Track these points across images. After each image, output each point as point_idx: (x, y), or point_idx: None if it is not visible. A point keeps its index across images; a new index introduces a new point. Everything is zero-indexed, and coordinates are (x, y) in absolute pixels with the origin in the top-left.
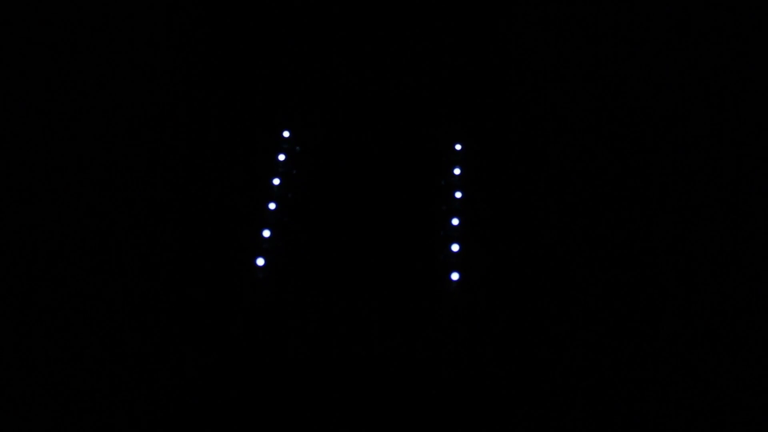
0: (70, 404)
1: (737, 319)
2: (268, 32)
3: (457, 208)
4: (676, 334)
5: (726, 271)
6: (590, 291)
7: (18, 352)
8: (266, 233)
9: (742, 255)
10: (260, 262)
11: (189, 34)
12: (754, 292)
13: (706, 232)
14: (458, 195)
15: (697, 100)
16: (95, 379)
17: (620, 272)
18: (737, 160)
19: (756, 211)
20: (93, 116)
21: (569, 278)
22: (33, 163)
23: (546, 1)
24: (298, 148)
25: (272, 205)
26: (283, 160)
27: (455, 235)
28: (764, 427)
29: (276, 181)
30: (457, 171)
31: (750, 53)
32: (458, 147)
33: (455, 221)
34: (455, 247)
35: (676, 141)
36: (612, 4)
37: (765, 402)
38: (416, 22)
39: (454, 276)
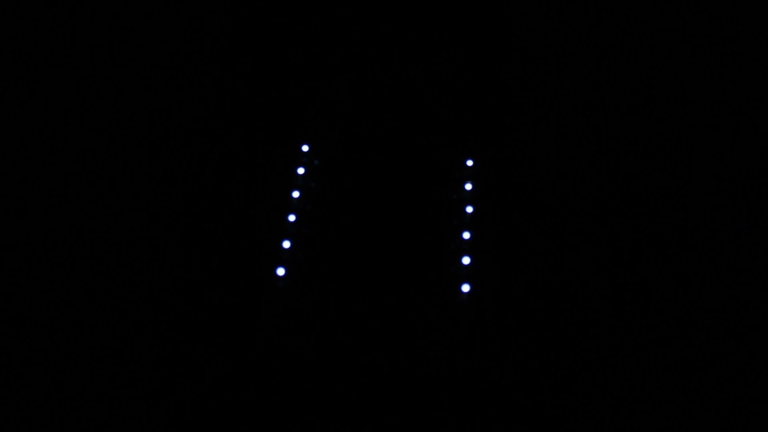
0: (86, 413)
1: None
2: (289, 56)
3: (467, 222)
4: (688, 349)
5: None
6: (599, 303)
7: (41, 353)
8: (286, 244)
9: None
10: (281, 271)
11: (214, 53)
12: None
13: (730, 240)
14: (469, 210)
15: (720, 111)
16: (116, 388)
17: (631, 287)
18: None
19: (757, 212)
20: (119, 130)
21: (577, 291)
22: (63, 183)
23: (558, 23)
24: (316, 161)
25: (292, 217)
26: (303, 174)
27: (466, 248)
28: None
29: (296, 194)
30: (468, 186)
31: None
32: (469, 163)
33: (466, 235)
34: (466, 260)
35: (691, 155)
36: (624, 25)
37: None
38: (429, 46)
39: (465, 288)
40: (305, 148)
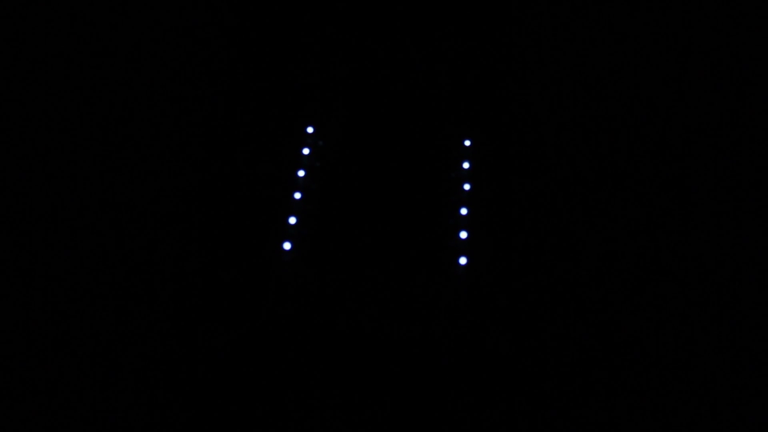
0: (99, 385)
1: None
2: (294, 43)
3: (465, 198)
4: (681, 326)
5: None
6: (593, 278)
7: (49, 346)
8: (292, 220)
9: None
10: (287, 246)
11: (222, 40)
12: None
13: (719, 233)
14: (466, 187)
15: (719, 108)
16: (127, 360)
17: (622, 259)
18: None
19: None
20: (129, 117)
21: (572, 265)
22: (75, 160)
23: (557, 8)
24: (321, 142)
25: (297, 195)
26: (308, 154)
27: (463, 223)
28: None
29: (301, 173)
30: (465, 165)
31: (748, 56)
32: (467, 143)
33: (463, 211)
34: (463, 234)
35: (688, 148)
36: (625, 11)
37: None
38: (429, 29)
39: (462, 260)
40: (310, 129)
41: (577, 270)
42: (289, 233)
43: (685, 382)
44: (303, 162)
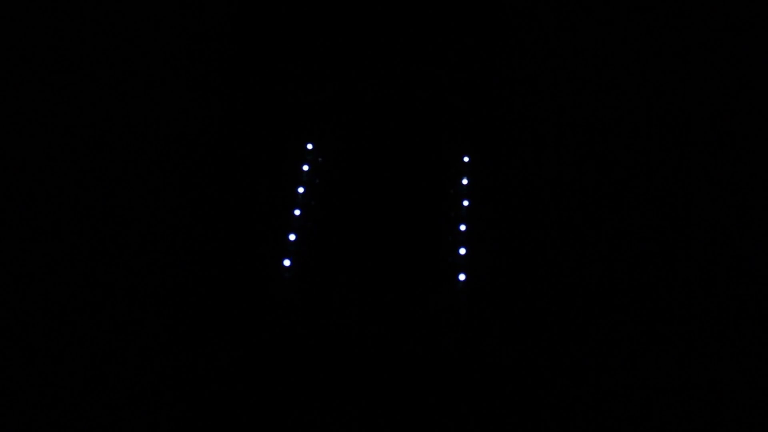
0: (98, 401)
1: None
2: (295, 62)
3: (464, 215)
4: (682, 338)
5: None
6: (590, 290)
7: (51, 350)
8: (292, 237)
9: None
10: (287, 263)
11: (223, 59)
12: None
13: (713, 238)
14: (465, 203)
15: (720, 111)
16: (124, 376)
17: (621, 274)
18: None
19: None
20: (131, 130)
21: (568, 279)
22: (76, 177)
23: (553, 24)
24: (320, 159)
25: (297, 212)
26: (307, 171)
27: (462, 239)
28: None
29: (301, 190)
30: (464, 181)
31: (747, 57)
32: (466, 159)
33: (462, 227)
34: (462, 251)
35: (684, 148)
36: (620, 22)
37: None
38: (428, 48)
39: (461, 277)
40: (310, 146)
41: (576, 286)
42: (289, 250)
43: (684, 401)
44: (303, 178)
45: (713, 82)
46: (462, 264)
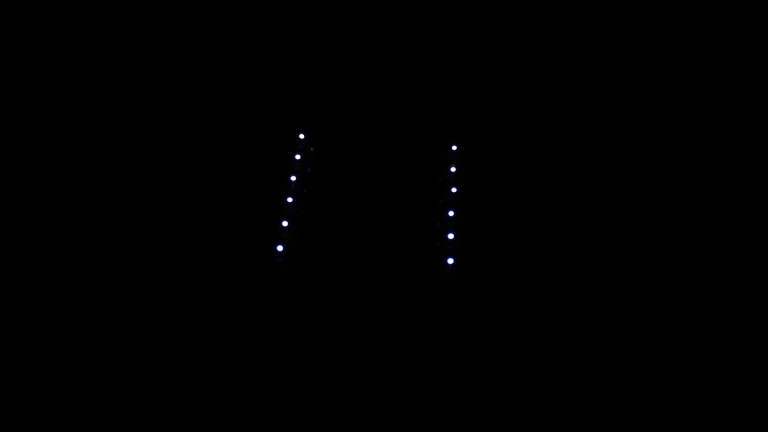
0: (102, 384)
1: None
2: (287, 54)
3: (452, 201)
4: (667, 319)
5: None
6: (573, 276)
7: (54, 345)
8: (285, 223)
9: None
10: (280, 248)
11: (216, 50)
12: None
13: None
14: (453, 190)
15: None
16: (126, 358)
17: (608, 261)
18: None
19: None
20: (123, 121)
21: (557, 264)
22: (78, 161)
23: (540, 18)
24: (312, 149)
25: (290, 199)
26: (299, 160)
27: (450, 225)
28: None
29: (293, 178)
30: (453, 169)
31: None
32: (454, 148)
33: (451, 213)
34: (450, 236)
35: (670, 143)
36: (604, 18)
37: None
38: (417, 41)
39: (450, 260)
40: (302, 136)
41: (564, 270)
42: (282, 236)
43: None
44: (295, 167)
45: (693, 82)
46: (450, 248)
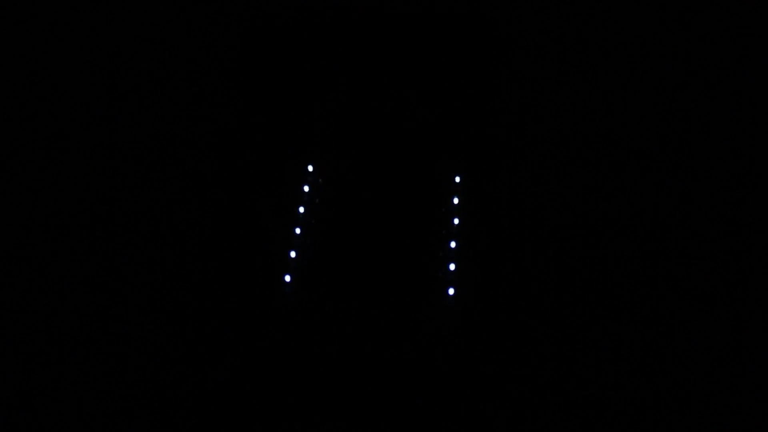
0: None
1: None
2: (296, 91)
3: (454, 232)
4: (671, 359)
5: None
6: (578, 305)
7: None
8: (293, 254)
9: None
10: (287, 278)
11: (226, 81)
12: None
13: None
14: (456, 221)
15: (707, 112)
16: (124, 390)
17: (610, 291)
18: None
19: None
20: (137, 152)
21: (559, 295)
22: (80, 189)
23: (542, 42)
24: (320, 180)
25: (298, 230)
26: (308, 191)
27: (452, 255)
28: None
29: (301, 209)
30: (455, 200)
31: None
32: (457, 179)
33: (452, 244)
34: (452, 266)
35: (675, 161)
36: (606, 41)
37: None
38: (421, 75)
39: (451, 291)
40: (310, 168)
41: (568, 303)
42: (290, 266)
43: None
44: (303, 198)
45: (696, 102)
46: (451, 279)
